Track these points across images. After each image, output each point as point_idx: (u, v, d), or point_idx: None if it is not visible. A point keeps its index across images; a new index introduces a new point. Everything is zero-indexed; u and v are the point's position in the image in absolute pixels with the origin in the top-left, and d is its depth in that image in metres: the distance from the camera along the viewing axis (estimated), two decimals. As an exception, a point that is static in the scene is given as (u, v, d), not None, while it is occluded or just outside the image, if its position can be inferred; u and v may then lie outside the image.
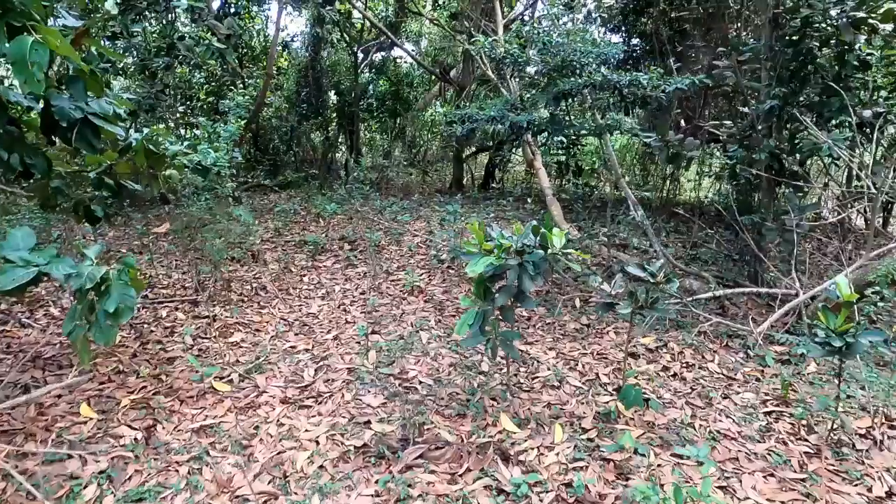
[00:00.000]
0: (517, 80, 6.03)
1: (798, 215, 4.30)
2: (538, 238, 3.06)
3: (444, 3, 12.09)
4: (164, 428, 2.92)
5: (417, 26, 14.46)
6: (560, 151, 9.53)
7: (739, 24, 6.75)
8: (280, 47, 13.46)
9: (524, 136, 4.63)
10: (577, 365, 3.73)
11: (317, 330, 4.30)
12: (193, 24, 6.38)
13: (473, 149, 12.82)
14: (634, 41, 9.09)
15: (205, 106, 12.15)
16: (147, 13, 6.23)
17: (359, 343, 4.01)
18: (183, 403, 3.18)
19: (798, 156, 4.59)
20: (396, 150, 14.41)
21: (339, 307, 4.82)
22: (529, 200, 8.20)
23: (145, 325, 4.25)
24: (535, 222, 3.10)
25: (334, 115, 13.40)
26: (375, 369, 3.61)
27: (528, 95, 4.83)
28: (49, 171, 2.90)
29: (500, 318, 3.17)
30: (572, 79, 4.38)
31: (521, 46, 4.46)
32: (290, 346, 3.96)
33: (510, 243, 2.98)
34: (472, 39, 4.65)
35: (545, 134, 4.58)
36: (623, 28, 9.19)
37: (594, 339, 4.18)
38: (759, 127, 4.68)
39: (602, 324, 4.45)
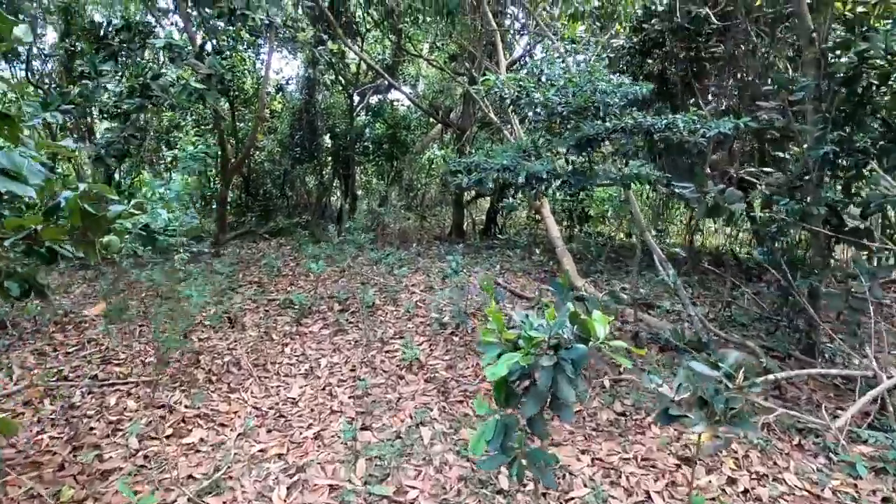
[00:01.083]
0: (527, 122, 5.44)
1: (870, 281, 3.61)
2: (576, 326, 2.36)
3: (442, 45, 11.75)
4: None
5: (415, 70, 14.17)
6: (568, 197, 8.96)
7: (764, 63, 6.25)
8: (274, 90, 13.09)
9: (541, 187, 3.99)
10: (619, 477, 2.96)
11: (295, 424, 3.53)
12: (172, 64, 5.83)
13: (474, 193, 12.27)
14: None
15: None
16: (122, 52, 5.72)
17: (345, 445, 3.24)
18: (107, 548, 2.39)
19: (861, 209, 3.95)
20: (393, 194, 13.87)
21: (323, 389, 4.06)
22: (538, 251, 7.52)
23: (85, 419, 3.48)
24: (570, 305, 2.40)
25: (329, 158, 12.92)
26: (365, 486, 2.83)
27: (542, 140, 4.23)
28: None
29: (528, 429, 2.43)
30: (597, 122, 3.78)
31: (534, 85, 3.89)
32: (260, 451, 3.18)
33: (541, 335, 2.27)
34: (483, 78, 4.07)
35: (568, 186, 3.93)
36: (629, 70, 8.77)
37: (634, 435, 3.41)
38: (811, 176, 4.05)
39: (640, 412, 3.69)
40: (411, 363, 4.41)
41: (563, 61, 5.92)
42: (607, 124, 3.69)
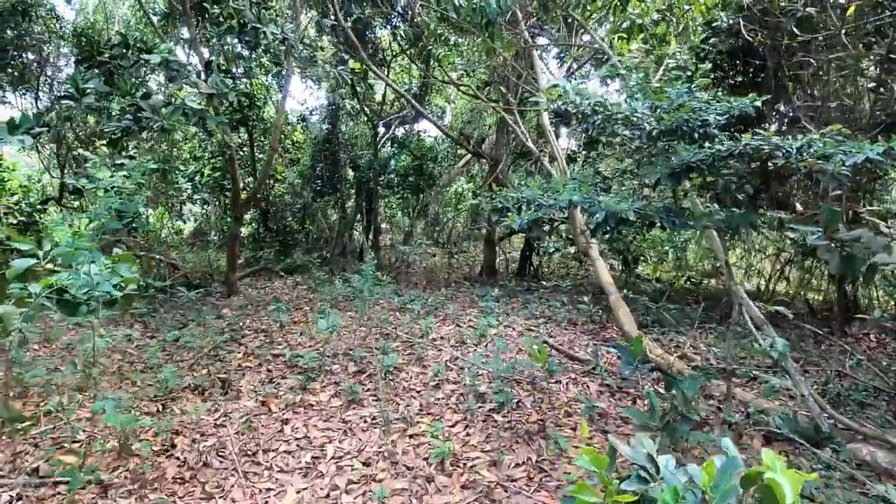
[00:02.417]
0: (567, 150, 4.48)
1: None
2: (744, 491, 1.34)
3: (473, 71, 11.02)
4: None
5: (443, 99, 13.49)
6: (616, 236, 7.92)
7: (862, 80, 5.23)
8: (297, 119, 12.52)
9: (620, 228, 3.01)
10: None
11: (282, 562, 2.52)
12: (172, 83, 5.09)
13: (507, 230, 11.32)
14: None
15: (210, 181, 11.03)
16: (114, 70, 5.01)
17: None
18: None
19: None
20: (419, 228, 13.02)
21: (327, 496, 3.05)
22: (586, 300, 6.46)
23: (-3, 548, 2.54)
24: (738, 459, 1.39)
25: (352, 191, 12.18)
26: None
27: (625, 170, 3.28)
28: None
29: None
30: (697, 145, 2.82)
31: (613, 102, 2.96)
32: None
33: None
34: (550, 85, 3.17)
35: (662, 229, 2.96)
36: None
37: None
38: None
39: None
40: (443, 459, 3.37)
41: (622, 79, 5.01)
42: (719, 147, 2.72)
